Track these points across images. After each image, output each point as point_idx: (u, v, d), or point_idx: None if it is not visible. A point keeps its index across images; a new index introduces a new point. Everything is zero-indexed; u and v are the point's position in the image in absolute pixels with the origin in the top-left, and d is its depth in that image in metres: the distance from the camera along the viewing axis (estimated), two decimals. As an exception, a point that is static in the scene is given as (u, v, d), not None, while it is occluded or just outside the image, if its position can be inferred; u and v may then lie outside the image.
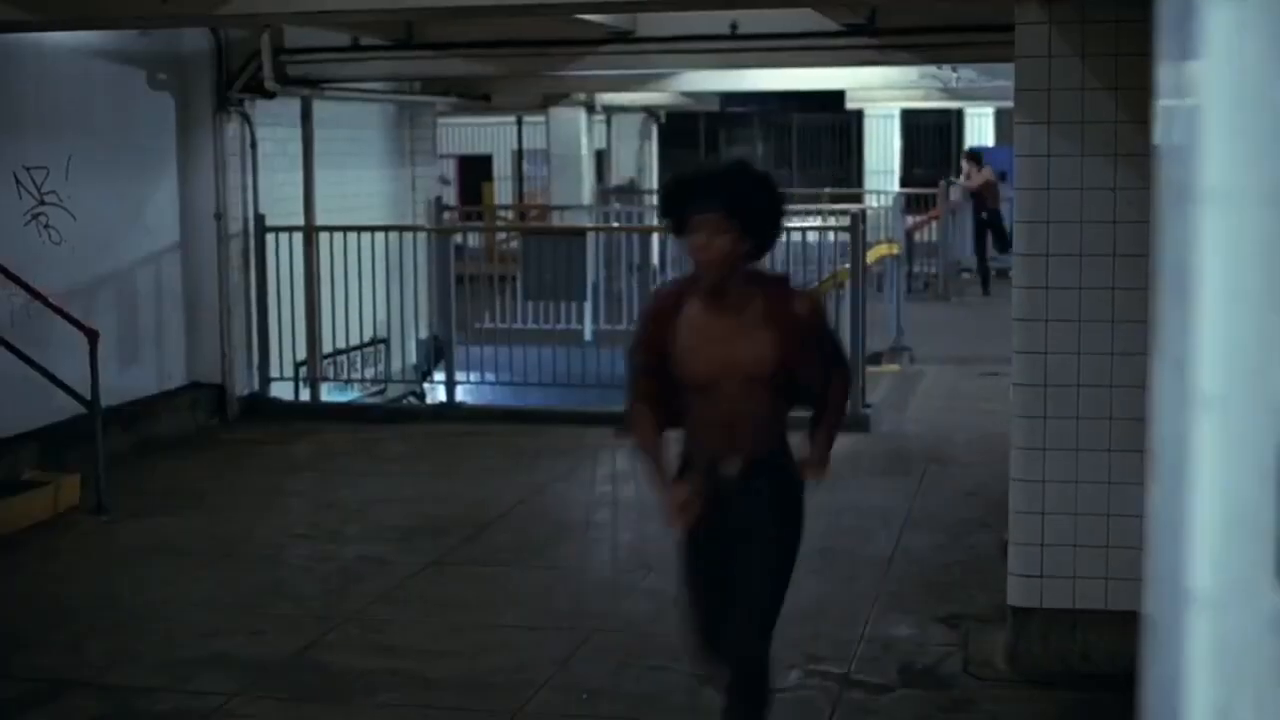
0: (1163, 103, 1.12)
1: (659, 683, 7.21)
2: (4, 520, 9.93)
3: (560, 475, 11.58)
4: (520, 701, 6.99)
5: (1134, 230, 6.78)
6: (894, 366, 15.87)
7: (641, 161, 28.75)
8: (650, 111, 27.19)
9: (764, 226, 5.35)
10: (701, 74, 15.22)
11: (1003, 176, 25.52)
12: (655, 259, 17.75)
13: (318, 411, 14.10)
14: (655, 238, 17.48)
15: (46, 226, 11.72)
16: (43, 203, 11.68)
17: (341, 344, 14.97)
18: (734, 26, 12.23)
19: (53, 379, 10.49)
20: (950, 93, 19.54)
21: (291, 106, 14.62)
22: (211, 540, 9.90)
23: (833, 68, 14.26)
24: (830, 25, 11.87)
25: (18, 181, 11.44)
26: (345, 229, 14.54)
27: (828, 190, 27.16)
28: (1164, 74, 1.11)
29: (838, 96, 22.58)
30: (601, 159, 26.67)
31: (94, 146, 12.26)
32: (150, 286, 13.16)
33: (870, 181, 31.17)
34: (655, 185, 28.86)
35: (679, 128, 30.91)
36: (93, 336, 10.53)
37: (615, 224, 21.64)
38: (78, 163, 12.00)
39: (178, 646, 7.84)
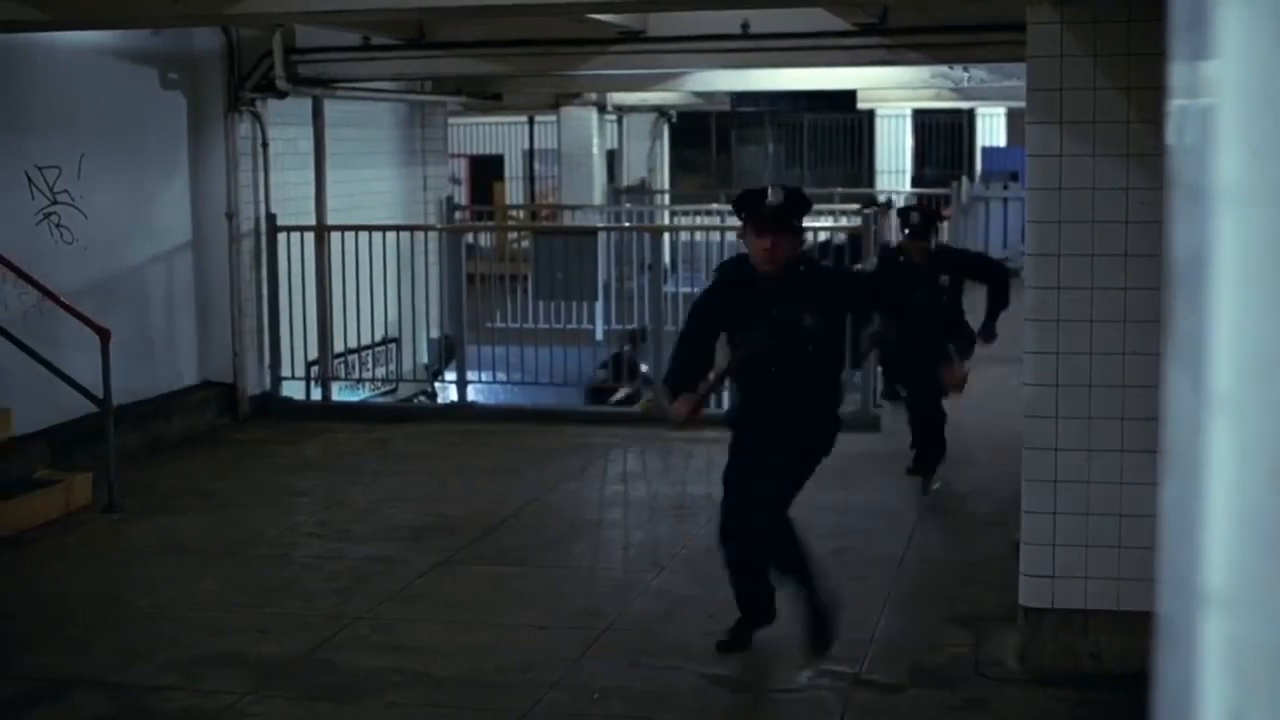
0: (1176, 102, 1.11)
1: (670, 682, 7.21)
2: (16, 518, 9.95)
3: (571, 475, 11.58)
4: (531, 701, 6.99)
5: (1146, 230, 6.77)
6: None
7: (653, 161, 28.75)
8: (661, 111, 27.19)
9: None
10: (713, 73, 15.22)
11: (1014, 177, 25.55)
12: (666, 258, 17.74)
13: (329, 411, 14.11)
14: (666, 237, 17.49)
15: (58, 226, 11.74)
16: (55, 202, 11.70)
17: (352, 343, 14.98)
18: (745, 26, 12.23)
19: (65, 378, 10.51)
20: (961, 93, 19.51)
21: (303, 106, 14.63)
22: (222, 539, 9.92)
23: (844, 67, 14.24)
24: (842, 25, 11.86)
25: (30, 181, 11.46)
26: (356, 228, 14.55)
27: (839, 190, 27.14)
28: (1177, 73, 1.10)
29: (849, 96, 22.56)
30: (613, 158, 26.67)
31: (106, 146, 12.28)
32: (161, 285, 13.18)
33: (881, 181, 31.16)
34: (667, 184, 28.87)
35: (690, 127, 30.90)
36: (104, 335, 10.55)
37: (626, 224, 21.63)
38: (89, 162, 12.02)
39: (187, 645, 7.85)
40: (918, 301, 10.21)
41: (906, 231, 10.96)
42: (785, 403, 7.13)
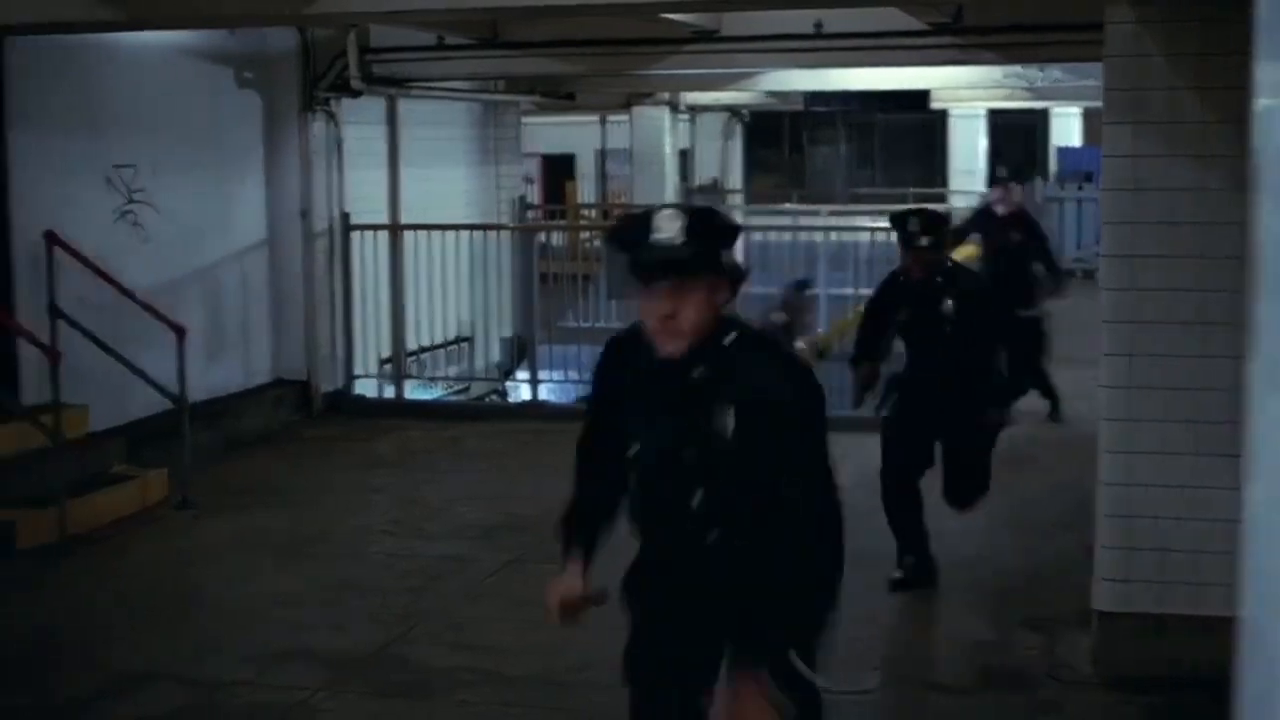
0: (1260, 103, 1.10)
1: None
2: (92, 515, 10.03)
3: (642, 474, 11.57)
4: (600, 699, 7.00)
5: (1224, 232, 6.70)
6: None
7: (725, 161, 28.73)
8: (734, 111, 27.17)
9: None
10: (785, 73, 15.18)
11: (1089, 177, 25.36)
12: (741, 259, 17.71)
13: (401, 409, 14.16)
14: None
15: (135, 224, 11.84)
16: (132, 200, 11.80)
17: (425, 342, 15.03)
18: (819, 25, 12.19)
19: (141, 375, 10.60)
20: (1035, 92, 19.41)
21: (377, 105, 14.70)
22: (295, 536, 9.97)
23: (917, 67, 14.19)
24: (915, 24, 11.81)
25: (108, 180, 11.55)
26: (429, 227, 14.60)
27: (912, 190, 27.05)
28: (1262, 73, 1.09)
29: (922, 96, 22.48)
30: (685, 158, 26.67)
31: (182, 145, 12.37)
32: (236, 283, 13.26)
33: (955, 181, 31.02)
34: (739, 184, 28.83)
35: (763, 127, 30.87)
36: (181, 333, 10.63)
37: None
38: (166, 161, 12.11)
39: (261, 640, 7.89)
40: (915, 334, 8.58)
41: (906, 245, 8.42)
42: (696, 553, 4.47)
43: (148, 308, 10.82)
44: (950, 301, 8.27)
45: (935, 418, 8.42)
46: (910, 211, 8.66)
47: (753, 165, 31.77)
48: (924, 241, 8.28)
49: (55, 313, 10.48)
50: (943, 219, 8.80)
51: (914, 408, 8.50)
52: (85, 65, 11.28)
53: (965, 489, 8.73)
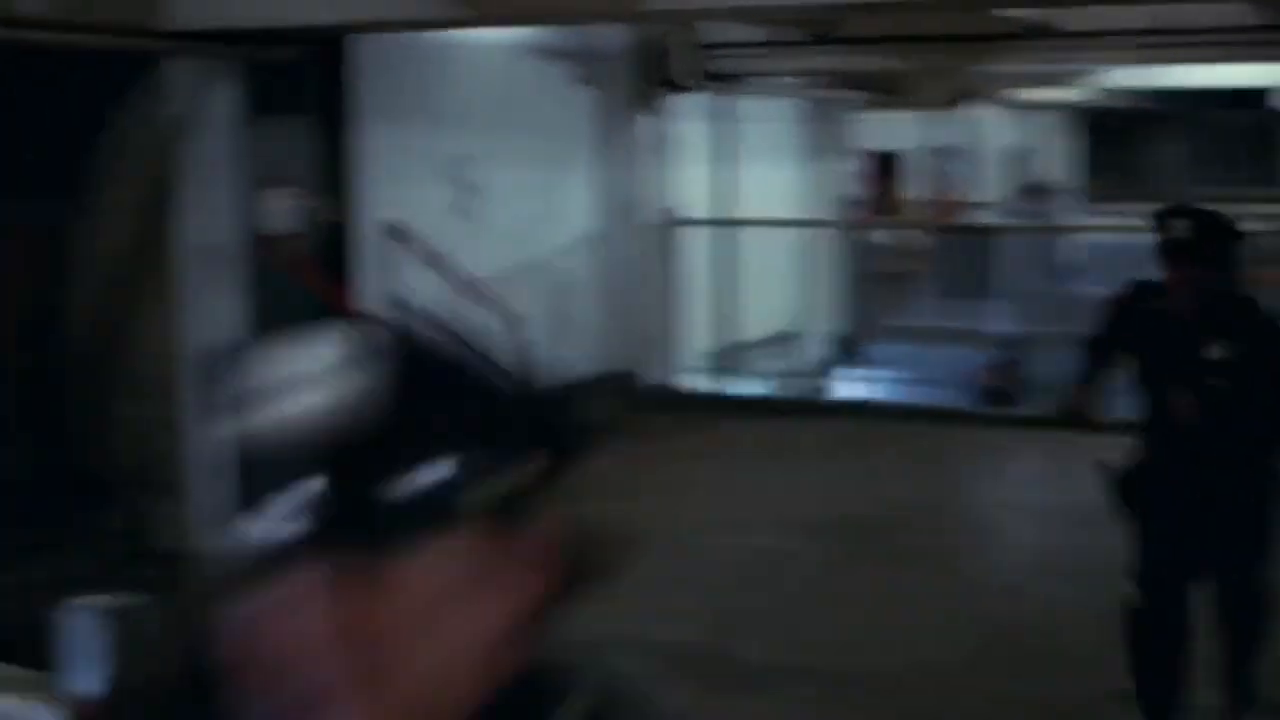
0: None
1: (1058, 692, 7.07)
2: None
3: (966, 476, 11.45)
4: (928, 700, 6.95)
5: None
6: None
7: (1057, 160, 28.20)
8: (1068, 108, 26.66)
9: None
10: (1119, 70, 14.85)
11: None
12: (1080, 258, 17.41)
13: (724, 404, 14.21)
14: (1073, 237, 17.13)
15: (469, 217, 12.10)
16: (467, 193, 12.06)
17: (750, 336, 15.08)
18: (1155, 20, 11.87)
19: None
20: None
21: (707, 101, 14.79)
22: (617, 526, 10.07)
23: (1259, 63, 13.74)
24: (1256, 20, 11.42)
25: (445, 173, 11.84)
26: (756, 223, 14.64)
27: (1250, 191, 26.17)
28: None
29: (1260, 94, 21.74)
30: (1016, 157, 26.27)
31: (516, 140, 12.61)
32: (565, 276, 13.46)
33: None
34: (1073, 183, 28.28)
35: (1098, 125, 30.20)
36: (517, 324, 10.87)
37: (1031, 223, 21.28)
38: (500, 155, 12.36)
39: (582, 630, 7.96)
40: (1166, 388, 6.02)
41: (1167, 256, 5.93)
42: None
43: (489, 299, 11.07)
44: (1225, 347, 5.84)
45: (1198, 515, 5.96)
46: (1179, 210, 6.10)
47: (1089, 164, 31.09)
48: (1198, 253, 5.84)
49: (398, 303, 10.79)
50: (1230, 228, 6.03)
51: (1170, 500, 6.03)
52: (425, 62, 11.59)
53: (1249, 608, 6.20)
